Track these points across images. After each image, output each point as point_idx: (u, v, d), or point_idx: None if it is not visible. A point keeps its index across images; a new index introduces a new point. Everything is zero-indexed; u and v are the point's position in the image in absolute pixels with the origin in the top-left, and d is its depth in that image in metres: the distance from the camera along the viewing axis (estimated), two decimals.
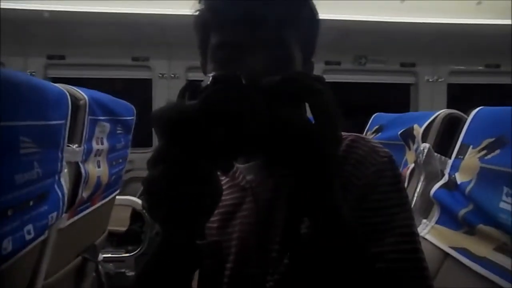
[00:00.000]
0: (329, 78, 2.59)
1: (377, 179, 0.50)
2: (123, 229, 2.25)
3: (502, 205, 0.83)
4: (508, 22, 2.47)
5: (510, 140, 0.89)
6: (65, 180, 0.98)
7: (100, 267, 1.48)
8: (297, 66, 0.51)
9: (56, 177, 0.94)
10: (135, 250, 2.09)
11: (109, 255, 1.99)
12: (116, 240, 2.23)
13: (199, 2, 0.52)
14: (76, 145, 1.06)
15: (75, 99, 1.02)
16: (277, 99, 0.34)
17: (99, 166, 1.26)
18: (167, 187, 0.34)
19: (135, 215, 2.24)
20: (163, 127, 0.35)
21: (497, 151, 0.91)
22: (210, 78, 0.35)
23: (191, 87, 0.38)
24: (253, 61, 0.47)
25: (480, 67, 2.71)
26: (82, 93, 1.05)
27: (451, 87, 2.67)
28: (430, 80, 2.65)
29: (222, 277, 0.54)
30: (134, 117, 1.55)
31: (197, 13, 0.53)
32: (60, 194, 0.94)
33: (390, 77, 2.68)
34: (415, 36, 2.45)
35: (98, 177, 1.24)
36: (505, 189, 0.84)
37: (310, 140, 0.34)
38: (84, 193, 1.14)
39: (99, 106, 1.19)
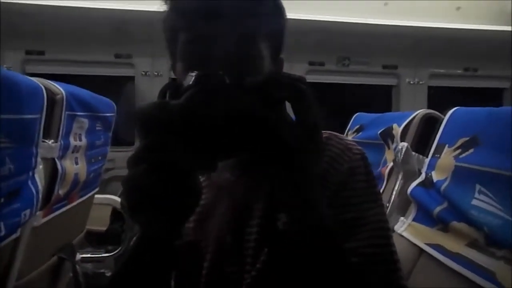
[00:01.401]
0: (313, 78, 2.61)
1: (350, 176, 0.52)
2: (103, 228, 2.21)
3: (475, 202, 0.86)
4: (486, 27, 2.54)
5: (483, 139, 0.92)
6: (40, 176, 0.95)
7: (77, 267, 1.44)
8: (267, 63, 0.51)
9: (30, 173, 0.91)
10: (115, 250, 2.05)
11: (88, 255, 1.95)
12: (96, 239, 2.18)
13: (165, 2, 0.52)
14: (52, 140, 1.03)
15: (51, 93, 1.00)
16: (260, 98, 0.34)
17: (76, 163, 1.23)
18: (148, 187, 0.33)
19: (116, 215, 2.20)
20: (146, 125, 0.34)
21: (471, 150, 0.94)
22: (193, 78, 0.35)
23: (173, 87, 0.38)
24: (224, 58, 0.46)
25: (459, 71, 2.78)
26: (58, 87, 1.03)
27: (431, 89, 2.73)
28: (411, 82, 2.70)
29: (199, 276, 0.54)
30: (114, 114, 1.52)
31: (163, 13, 0.52)
32: (34, 191, 0.91)
33: (372, 79, 2.72)
34: (397, 38, 2.50)
35: (76, 174, 1.22)
36: (478, 187, 0.87)
37: (293, 140, 0.34)
38: (60, 191, 1.12)
39: (77, 102, 1.16)
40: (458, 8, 2.60)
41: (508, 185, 0.80)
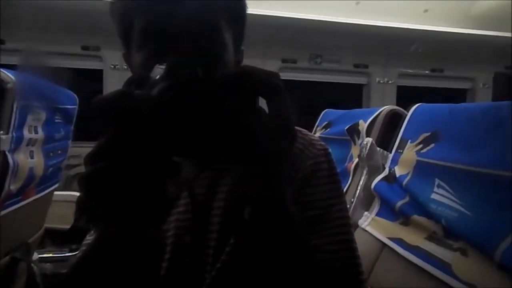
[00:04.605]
0: (286, 76, 2.61)
1: (313, 172, 0.52)
2: (67, 226, 2.13)
3: (434, 196, 0.87)
4: (451, 30, 2.63)
5: (444, 135, 0.94)
6: None
7: (34, 267, 1.37)
8: (229, 53, 0.49)
9: None
10: (79, 249, 1.97)
11: (50, 255, 1.87)
12: (59, 238, 2.10)
13: None
14: (2, 132, 0.97)
15: (0, 82, 0.93)
16: (234, 93, 0.32)
17: (32, 157, 1.16)
18: (110, 187, 0.30)
19: None
20: (110, 116, 0.30)
21: (432, 145, 0.96)
22: (163, 70, 0.32)
23: (140, 79, 0.34)
24: (190, 47, 0.44)
25: (427, 71, 2.87)
26: (9, 75, 0.96)
27: (400, 88, 2.80)
28: (381, 81, 2.76)
29: (157, 276, 0.51)
30: (76, 106, 1.45)
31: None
32: None
33: (344, 77, 2.75)
34: (368, 38, 2.54)
35: (31, 169, 1.15)
36: (437, 181, 0.88)
37: (268, 134, 0.33)
38: (12, 186, 1.05)
39: (32, 92, 1.10)
40: (425, 10, 2.68)
41: (464, 179, 0.82)
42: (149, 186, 0.31)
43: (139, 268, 0.50)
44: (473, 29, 2.67)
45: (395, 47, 2.66)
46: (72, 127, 1.48)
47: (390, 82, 2.76)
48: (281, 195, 0.37)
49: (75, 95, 1.46)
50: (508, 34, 2.69)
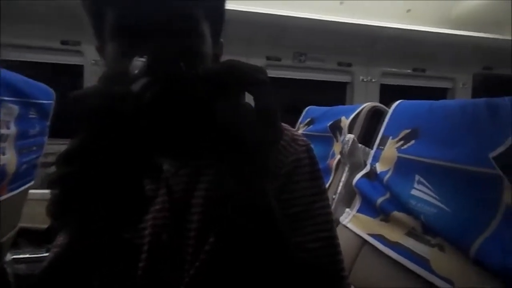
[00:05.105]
0: (270, 73, 2.58)
1: (295, 168, 0.51)
2: (44, 226, 2.06)
3: (414, 192, 0.88)
4: (433, 30, 2.67)
5: (424, 131, 0.94)
6: None
7: (7, 268, 1.32)
8: (207, 45, 0.48)
9: None
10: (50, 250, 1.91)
11: (27, 256, 1.81)
12: (35, 238, 2.03)
13: None
14: None
15: None
16: (218, 88, 0.31)
17: (3, 153, 1.11)
18: (82, 192, 0.27)
19: None
20: (88, 114, 0.28)
21: (412, 142, 0.96)
22: (142, 64, 0.30)
23: (117, 73, 0.32)
24: (163, 40, 0.42)
25: (409, 70, 2.91)
26: None
27: (384, 87, 2.83)
28: (365, 80, 2.78)
29: (133, 278, 0.49)
30: (52, 102, 1.40)
31: None
32: None
33: (328, 75, 2.76)
34: (352, 37, 2.55)
35: (3, 166, 1.10)
36: (417, 177, 0.89)
37: (253, 131, 0.32)
38: None
39: (4, 86, 1.05)
40: (408, 10, 2.72)
41: (443, 175, 0.82)
42: (126, 187, 0.29)
43: (115, 268, 0.48)
44: (453, 29, 2.72)
45: (378, 46, 2.69)
46: (48, 123, 1.43)
47: (373, 80, 2.79)
48: (264, 192, 0.36)
49: (52, 90, 1.41)
50: (486, 35, 2.76)
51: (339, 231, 0.53)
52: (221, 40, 0.54)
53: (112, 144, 0.28)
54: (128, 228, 0.33)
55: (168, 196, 0.51)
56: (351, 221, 1.06)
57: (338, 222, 1.08)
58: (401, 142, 1.00)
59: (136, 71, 0.30)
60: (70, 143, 0.28)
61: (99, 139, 0.28)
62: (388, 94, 2.75)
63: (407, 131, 0.99)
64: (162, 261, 0.49)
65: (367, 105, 1.22)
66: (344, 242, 0.52)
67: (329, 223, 0.51)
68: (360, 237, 1.00)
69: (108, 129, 0.28)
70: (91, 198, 0.28)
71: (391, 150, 1.02)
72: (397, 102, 1.10)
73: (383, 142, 1.07)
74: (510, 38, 2.71)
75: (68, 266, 0.39)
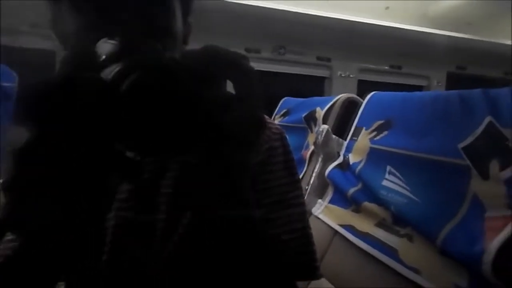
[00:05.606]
0: None
1: (269, 157, 0.50)
2: None
3: (384, 182, 0.87)
4: (410, 28, 2.71)
5: (396, 122, 0.94)
6: None
7: None
8: (178, 25, 0.44)
9: None
10: None
11: None
12: None
13: None
14: None
15: None
16: (201, 75, 0.28)
17: None
18: (37, 196, 0.24)
19: None
20: (50, 105, 0.24)
21: (385, 133, 0.96)
22: (115, 46, 0.27)
23: (81, 55, 0.28)
24: (132, 18, 0.38)
25: (386, 67, 2.95)
26: None
27: (361, 83, 2.85)
28: (343, 75, 2.79)
29: (98, 272, 0.46)
30: (14, 84, 1.33)
31: None
32: None
33: (307, 69, 2.76)
34: (332, 31, 2.55)
35: None
36: (388, 168, 0.89)
37: (235, 122, 0.29)
38: None
39: None
40: (387, 8, 2.74)
41: (414, 166, 0.82)
42: (90, 187, 0.26)
43: (79, 258, 0.44)
44: (429, 28, 2.77)
45: (357, 41, 2.70)
46: (12, 106, 1.35)
47: (351, 76, 2.81)
48: (241, 183, 0.35)
49: (14, 73, 1.33)
50: (461, 35, 2.82)
51: (311, 222, 0.52)
52: (190, 21, 0.51)
53: (74, 139, 0.24)
54: (91, 226, 0.30)
55: (134, 186, 0.47)
56: (323, 212, 1.05)
57: (311, 213, 1.07)
58: (374, 133, 0.99)
59: (105, 55, 0.26)
60: (26, 140, 0.24)
61: (62, 133, 0.24)
62: (365, 90, 2.79)
63: (380, 122, 0.99)
64: (128, 254, 0.46)
65: (342, 96, 1.22)
66: (316, 233, 0.51)
67: (303, 214, 0.50)
68: (332, 228, 0.99)
69: (74, 122, 0.24)
70: (51, 199, 0.25)
71: (364, 141, 1.02)
72: (371, 94, 1.10)
73: (356, 133, 1.07)
74: (483, 38, 2.79)
75: (22, 269, 0.35)
